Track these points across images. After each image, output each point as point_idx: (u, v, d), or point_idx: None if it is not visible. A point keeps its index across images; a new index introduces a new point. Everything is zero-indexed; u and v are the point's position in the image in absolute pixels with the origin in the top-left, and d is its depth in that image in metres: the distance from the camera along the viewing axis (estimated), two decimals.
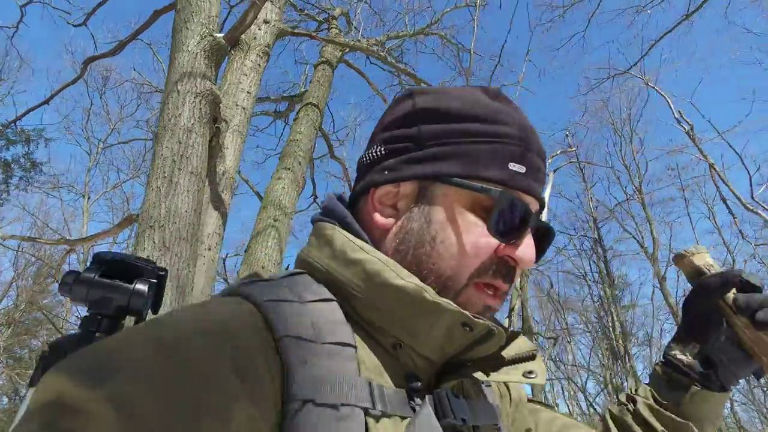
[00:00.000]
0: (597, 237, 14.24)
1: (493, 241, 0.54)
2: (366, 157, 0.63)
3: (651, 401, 0.76)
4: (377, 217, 0.58)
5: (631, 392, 0.81)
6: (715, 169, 11.54)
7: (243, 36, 4.13)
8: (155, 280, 0.65)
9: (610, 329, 13.47)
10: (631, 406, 0.78)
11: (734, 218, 12.24)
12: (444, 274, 0.53)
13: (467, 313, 0.49)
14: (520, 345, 0.57)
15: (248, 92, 3.88)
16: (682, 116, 12.14)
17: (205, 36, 3.26)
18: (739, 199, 10.94)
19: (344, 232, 0.56)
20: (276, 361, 0.42)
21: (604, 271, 13.95)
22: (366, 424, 0.42)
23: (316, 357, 0.43)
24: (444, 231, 0.54)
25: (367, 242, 0.56)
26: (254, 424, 0.37)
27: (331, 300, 0.51)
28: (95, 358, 0.36)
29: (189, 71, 3.12)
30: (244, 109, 3.78)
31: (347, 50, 6.85)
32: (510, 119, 0.57)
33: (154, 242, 2.62)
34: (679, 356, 0.74)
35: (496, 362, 0.55)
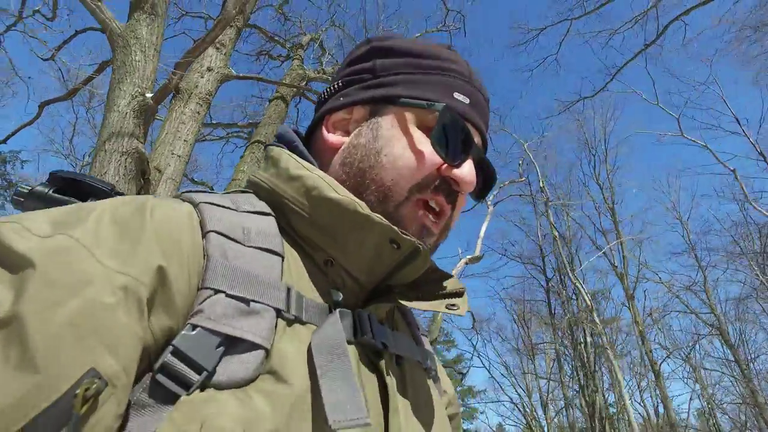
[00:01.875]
0: (542, 266, 14.57)
1: (436, 158, 0.55)
2: (324, 92, 0.68)
3: None
4: (329, 137, 0.62)
5: None
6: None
7: (184, 85, 4.44)
8: None
9: (582, 345, 13.77)
10: None
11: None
12: (385, 184, 0.55)
13: (396, 228, 0.51)
14: (451, 284, 0.59)
15: (185, 140, 4.17)
16: None
17: (135, 96, 3.55)
18: None
19: (290, 153, 0.58)
20: (199, 250, 0.44)
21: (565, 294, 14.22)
22: (276, 325, 0.44)
23: (239, 255, 0.45)
24: (389, 145, 0.57)
25: (312, 163, 0.59)
26: (162, 300, 0.39)
27: (269, 214, 0.53)
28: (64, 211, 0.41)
29: (118, 130, 3.41)
30: (179, 157, 4.07)
31: (305, 81, 7.15)
32: (458, 61, 0.62)
33: None
34: None
35: (424, 292, 0.57)
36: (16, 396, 0.30)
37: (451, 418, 0.72)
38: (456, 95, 0.59)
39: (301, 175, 0.54)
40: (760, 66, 12.24)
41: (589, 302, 11.25)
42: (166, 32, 4.28)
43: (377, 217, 0.51)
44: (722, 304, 15.40)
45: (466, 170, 0.57)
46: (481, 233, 9.72)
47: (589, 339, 13.67)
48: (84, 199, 0.58)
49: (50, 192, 0.56)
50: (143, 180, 3.58)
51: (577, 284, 11.50)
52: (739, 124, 12.31)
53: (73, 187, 0.57)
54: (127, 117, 3.47)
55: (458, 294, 0.58)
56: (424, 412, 0.55)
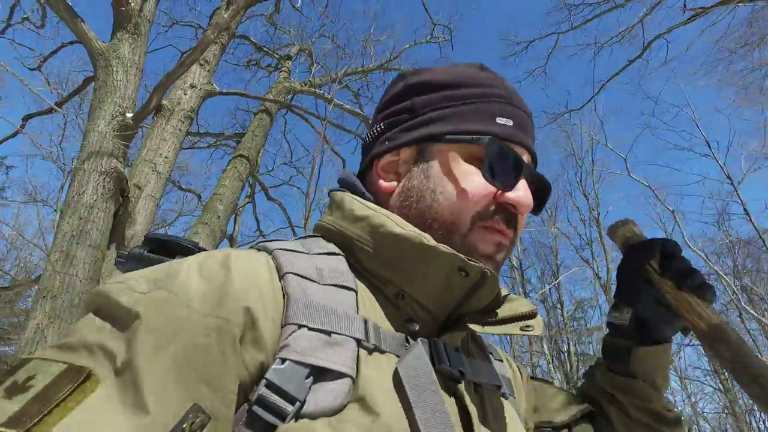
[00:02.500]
0: (521, 279, 14.79)
1: (490, 188, 0.57)
2: (368, 136, 0.69)
3: (604, 369, 0.81)
4: (381, 183, 0.64)
5: (589, 365, 0.88)
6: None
7: (166, 102, 4.52)
8: None
9: (566, 354, 13.97)
10: (590, 379, 0.84)
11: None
12: (447, 220, 0.57)
13: (462, 256, 0.52)
14: (521, 305, 0.61)
15: (166, 157, 4.24)
16: None
17: (115, 116, 3.63)
18: None
19: (353, 196, 0.61)
20: (279, 291, 0.47)
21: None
22: (358, 354, 0.46)
23: (315, 292, 0.48)
24: (442, 183, 0.58)
25: (373, 203, 0.61)
26: (252, 338, 0.42)
27: (339, 254, 0.56)
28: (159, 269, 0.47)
29: (97, 150, 3.48)
30: (159, 174, 4.14)
31: (291, 94, 7.25)
32: (494, 82, 0.63)
33: (45, 311, 2.98)
34: (615, 321, 0.78)
35: (495, 317, 0.59)
36: None
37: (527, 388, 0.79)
38: (499, 120, 0.60)
39: (367, 215, 0.57)
40: (736, 87, 12.38)
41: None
42: (155, 42, 4.35)
43: (443, 247, 0.53)
44: None
45: (521, 193, 0.58)
46: None
47: (572, 348, 13.89)
48: (173, 257, 0.63)
49: (145, 253, 0.62)
50: (122, 198, 3.66)
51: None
52: (709, 147, 12.59)
53: (164, 247, 0.62)
54: (107, 136, 3.55)
55: (531, 315, 0.59)
56: None
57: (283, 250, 0.52)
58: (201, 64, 4.97)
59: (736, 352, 0.64)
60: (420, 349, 0.48)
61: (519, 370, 0.79)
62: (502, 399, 0.62)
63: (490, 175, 0.57)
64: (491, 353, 0.71)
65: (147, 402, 0.35)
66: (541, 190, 0.66)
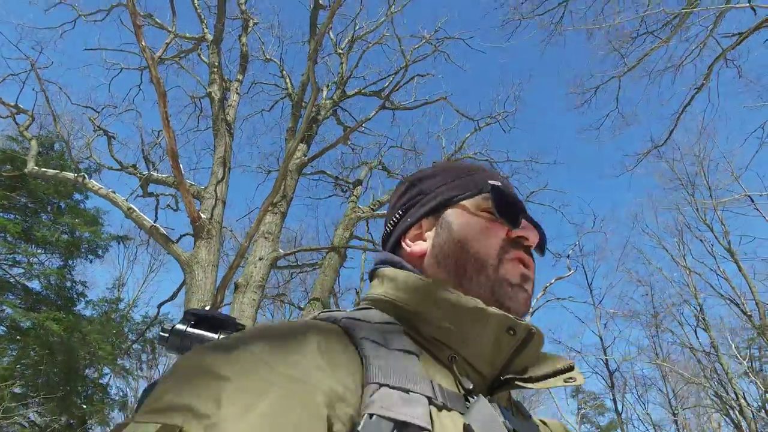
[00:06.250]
0: (605, 359, 13.27)
1: (503, 227, 0.68)
2: (387, 227, 0.80)
3: None
4: (413, 250, 0.73)
5: None
6: None
7: (241, 279, 5.66)
8: (236, 332, 0.70)
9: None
10: None
11: None
12: (479, 258, 0.66)
13: (511, 316, 0.60)
14: (557, 360, 0.65)
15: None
16: None
17: None
18: None
19: (403, 271, 0.69)
20: (355, 354, 0.52)
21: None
22: (430, 411, 0.50)
23: (387, 355, 0.54)
24: (464, 232, 0.68)
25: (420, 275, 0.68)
26: (337, 395, 0.46)
27: (395, 323, 0.62)
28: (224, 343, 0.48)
29: None
30: None
31: (357, 221, 8.22)
32: (481, 165, 0.79)
33: None
34: None
35: (538, 374, 0.62)
36: None
37: None
38: (491, 182, 0.73)
39: (419, 285, 0.64)
40: None
41: None
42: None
43: (493, 309, 0.60)
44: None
45: (527, 228, 0.69)
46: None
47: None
48: (215, 331, 0.68)
49: (188, 329, 0.65)
50: None
51: None
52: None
53: (205, 322, 0.66)
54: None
55: (570, 368, 0.63)
56: None
57: (350, 318, 0.59)
58: (265, 237, 6.13)
59: None
60: (485, 401, 0.54)
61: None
62: None
63: (500, 214, 0.68)
64: (528, 415, 0.76)
65: None
66: (540, 234, 0.74)
